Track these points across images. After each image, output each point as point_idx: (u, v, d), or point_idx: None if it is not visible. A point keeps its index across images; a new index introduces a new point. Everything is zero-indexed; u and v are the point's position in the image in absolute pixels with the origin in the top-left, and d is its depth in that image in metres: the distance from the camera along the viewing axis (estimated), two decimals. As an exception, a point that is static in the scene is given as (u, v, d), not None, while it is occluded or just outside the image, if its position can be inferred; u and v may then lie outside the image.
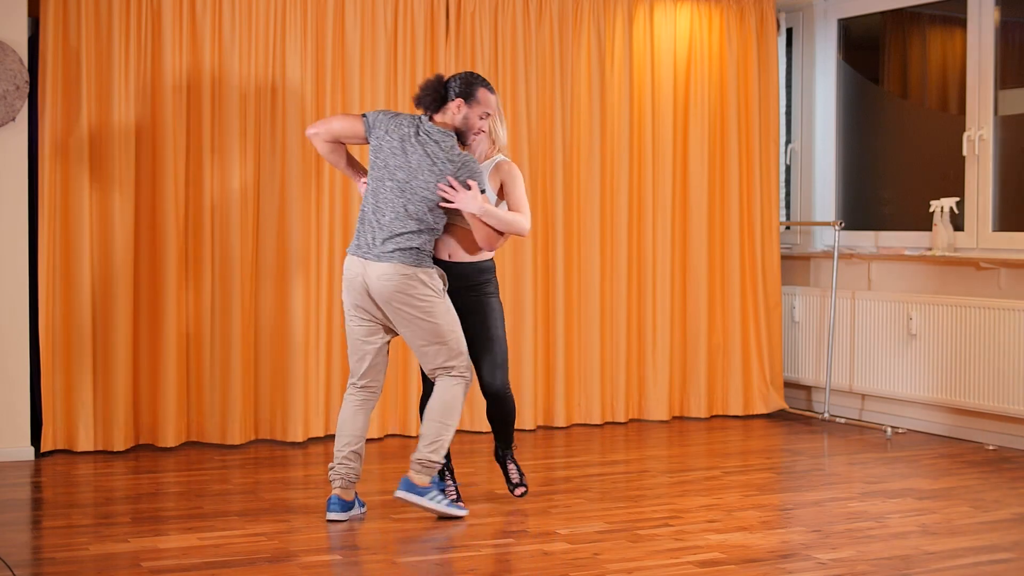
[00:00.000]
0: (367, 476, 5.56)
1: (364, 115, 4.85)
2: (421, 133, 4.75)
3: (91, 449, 5.96)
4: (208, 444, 6.24)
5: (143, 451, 6.08)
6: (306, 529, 4.62)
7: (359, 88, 6.43)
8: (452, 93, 4.79)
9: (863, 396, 7.22)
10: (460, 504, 4.91)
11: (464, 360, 4.84)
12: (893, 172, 7.42)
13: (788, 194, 7.87)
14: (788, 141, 7.86)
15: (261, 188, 6.30)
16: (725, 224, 7.32)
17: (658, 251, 7.18)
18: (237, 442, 6.22)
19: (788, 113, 7.86)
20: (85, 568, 4.06)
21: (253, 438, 6.34)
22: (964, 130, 6.73)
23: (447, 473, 5.09)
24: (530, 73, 6.80)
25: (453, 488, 5.04)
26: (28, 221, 5.87)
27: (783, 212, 7.87)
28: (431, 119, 4.81)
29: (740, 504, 5.09)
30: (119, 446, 6.01)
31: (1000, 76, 6.61)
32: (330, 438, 6.46)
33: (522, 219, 4.86)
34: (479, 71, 6.61)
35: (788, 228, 7.86)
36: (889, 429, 6.76)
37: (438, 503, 4.79)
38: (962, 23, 6.77)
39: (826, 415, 7.24)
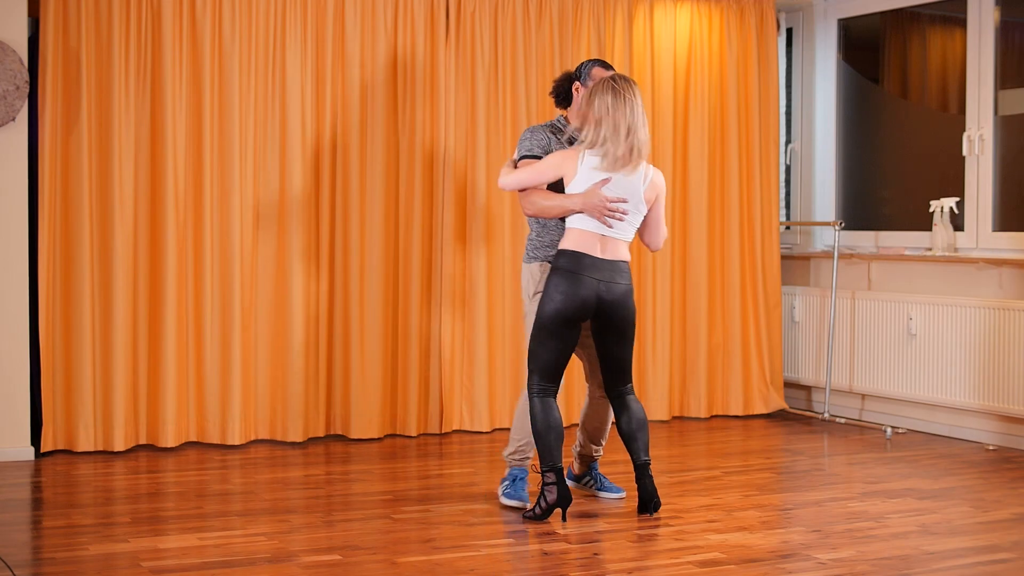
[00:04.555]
0: (367, 476, 5.56)
1: (530, 156, 4.92)
2: None
3: (91, 449, 5.96)
4: (208, 444, 6.23)
5: (143, 451, 6.08)
6: (306, 529, 4.62)
7: (359, 88, 6.43)
8: (575, 82, 5.03)
9: (863, 396, 7.22)
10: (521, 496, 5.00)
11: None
12: (893, 172, 7.41)
13: (788, 194, 7.87)
14: (788, 141, 7.86)
15: (262, 187, 6.30)
16: (725, 224, 7.32)
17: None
18: (237, 442, 6.22)
19: (788, 113, 7.86)
20: (85, 568, 4.06)
21: (253, 438, 6.34)
22: (964, 130, 6.73)
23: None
24: (530, 73, 6.79)
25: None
26: (28, 221, 5.87)
27: (783, 212, 7.87)
28: (565, 116, 5.07)
29: (740, 504, 5.08)
30: (119, 446, 6.01)
31: (1000, 76, 6.61)
32: (330, 438, 6.47)
33: (505, 171, 4.92)
34: (479, 71, 6.61)
35: (788, 228, 7.86)
36: (889, 429, 6.76)
37: (501, 492, 5.05)
38: (962, 23, 6.77)
39: (826, 415, 7.24)
